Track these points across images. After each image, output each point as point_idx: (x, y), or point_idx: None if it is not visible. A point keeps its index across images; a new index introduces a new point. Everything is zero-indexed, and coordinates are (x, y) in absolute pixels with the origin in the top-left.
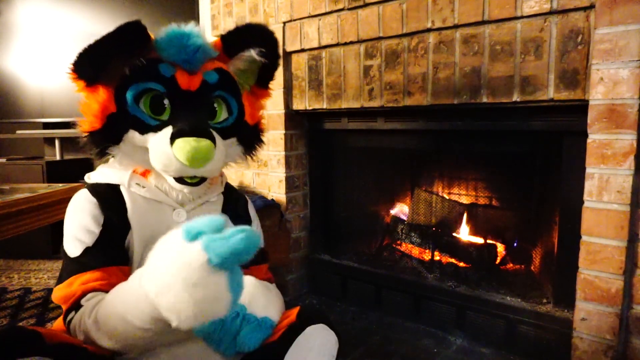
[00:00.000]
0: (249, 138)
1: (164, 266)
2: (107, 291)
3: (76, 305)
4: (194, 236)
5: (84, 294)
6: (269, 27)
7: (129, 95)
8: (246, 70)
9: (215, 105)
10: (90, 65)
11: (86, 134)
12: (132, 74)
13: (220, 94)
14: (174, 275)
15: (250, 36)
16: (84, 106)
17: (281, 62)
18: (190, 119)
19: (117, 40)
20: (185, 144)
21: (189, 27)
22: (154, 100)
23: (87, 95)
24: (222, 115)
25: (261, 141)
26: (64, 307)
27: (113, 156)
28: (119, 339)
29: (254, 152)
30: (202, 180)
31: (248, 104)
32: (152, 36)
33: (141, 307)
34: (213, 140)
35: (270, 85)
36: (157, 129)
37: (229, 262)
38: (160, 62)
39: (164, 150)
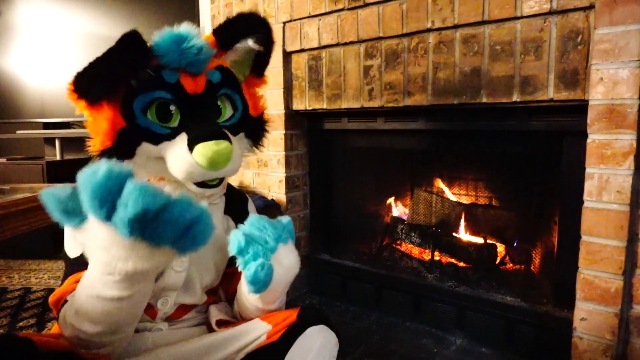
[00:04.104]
0: (255, 130)
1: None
2: None
3: (64, 303)
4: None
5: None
6: (261, 14)
7: (136, 108)
8: (240, 61)
9: (219, 103)
10: (93, 84)
11: (98, 154)
12: (137, 85)
13: (225, 92)
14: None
15: (244, 26)
16: (91, 126)
17: (280, 55)
18: (203, 122)
19: (118, 56)
20: (206, 149)
21: (185, 28)
22: (159, 107)
23: (92, 114)
24: (228, 112)
25: (266, 130)
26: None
27: None
28: (89, 314)
29: (261, 142)
30: (222, 180)
31: (249, 97)
32: (147, 43)
33: (92, 267)
34: (230, 140)
35: (265, 72)
36: (170, 137)
37: (138, 221)
38: (163, 69)
39: (184, 158)
